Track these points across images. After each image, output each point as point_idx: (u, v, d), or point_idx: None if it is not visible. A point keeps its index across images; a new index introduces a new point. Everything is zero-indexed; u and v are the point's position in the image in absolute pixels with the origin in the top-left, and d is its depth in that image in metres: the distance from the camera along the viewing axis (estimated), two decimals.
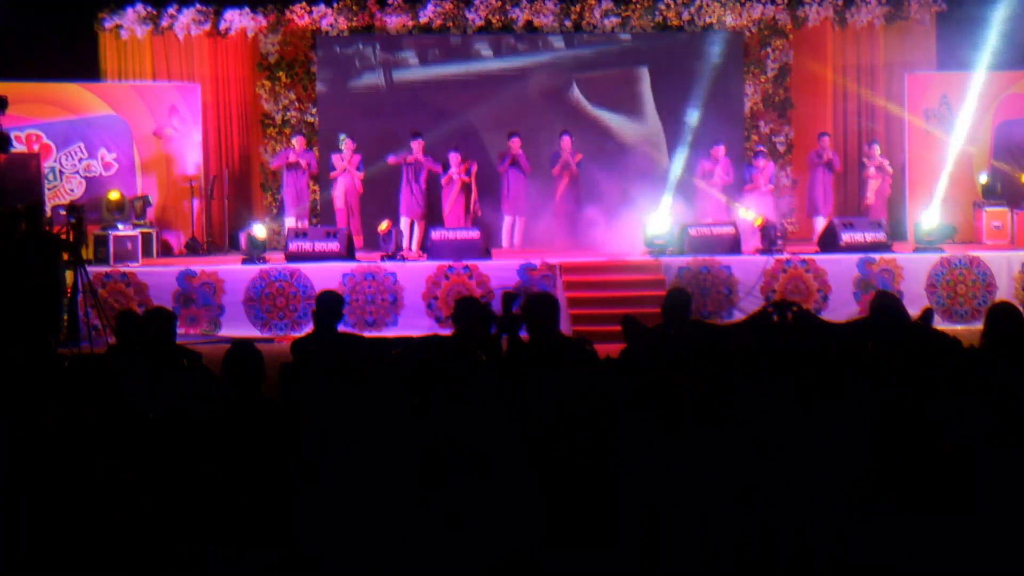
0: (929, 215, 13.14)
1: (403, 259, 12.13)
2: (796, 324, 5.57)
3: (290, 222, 13.98)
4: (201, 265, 11.97)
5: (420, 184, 13.97)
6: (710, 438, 4.21)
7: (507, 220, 14.23)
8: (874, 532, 3.87)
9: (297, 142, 14.21)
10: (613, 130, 15.06)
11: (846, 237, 12.37)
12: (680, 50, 15.07)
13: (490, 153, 14.69)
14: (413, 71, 15.05)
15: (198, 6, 14.73)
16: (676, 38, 15.12)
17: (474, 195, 13.97)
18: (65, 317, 10.98)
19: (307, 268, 11.73)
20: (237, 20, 14.81)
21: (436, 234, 12.40)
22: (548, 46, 15.18)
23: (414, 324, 11.22)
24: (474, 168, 14.00)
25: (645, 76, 15.22)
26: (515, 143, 14.01)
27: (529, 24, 15.06)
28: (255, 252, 12.28)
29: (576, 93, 15.08)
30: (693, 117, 14.45)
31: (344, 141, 14.04)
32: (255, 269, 11.75)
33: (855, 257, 12.04)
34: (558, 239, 13.98)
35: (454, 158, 13.85)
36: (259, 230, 12.56)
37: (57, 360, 6.06)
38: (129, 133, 14.30)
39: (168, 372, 5.43)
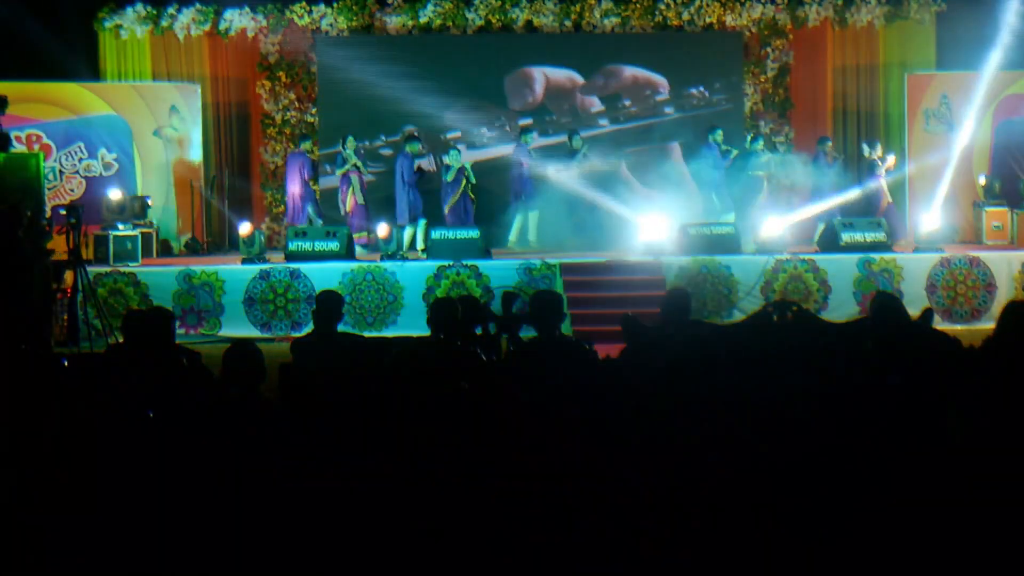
0: (929, 216, 13.14)
1: (403, 259, 12.13)
2: (796, 324, 5.58)
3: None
4: (201, 265, 11.96)
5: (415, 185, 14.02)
6: (709, 437, 4.21)
7: (519, 217, 14.19)
8: (873, 530, 3.86)
9: (306, 146, 14.27)
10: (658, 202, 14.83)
11: (846, 237, 12.36)
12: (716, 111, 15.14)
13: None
14: (463, 155, 14.88)
15: (198, 6, 14.74)
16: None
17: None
18: (65, 317, 10.98)
19: (307, 268, 11.73)
20: (237, 20, 14.82)
21: (436, 234, 12.39)
22: (593, 123, 15.20)
23: (414, 324, 11.20)
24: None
25: (676, 149, 15.24)
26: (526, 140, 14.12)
27: (529, 24, 15.08)
28: (248, 251, 12.28)
29: (625, 170, 15.04)
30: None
31: (349, 139, 14.03)
32: (255, 269, 11.75)
33: (855, 257, 12.03)
34: (566, 239, 14.02)
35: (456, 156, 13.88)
36: (244, 229, 12.54)
37: (55, 359, 6.06)
38: (129, 133, 14.31)
39: (168, 372, 5.42)
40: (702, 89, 15.26)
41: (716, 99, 15.28)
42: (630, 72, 15.28)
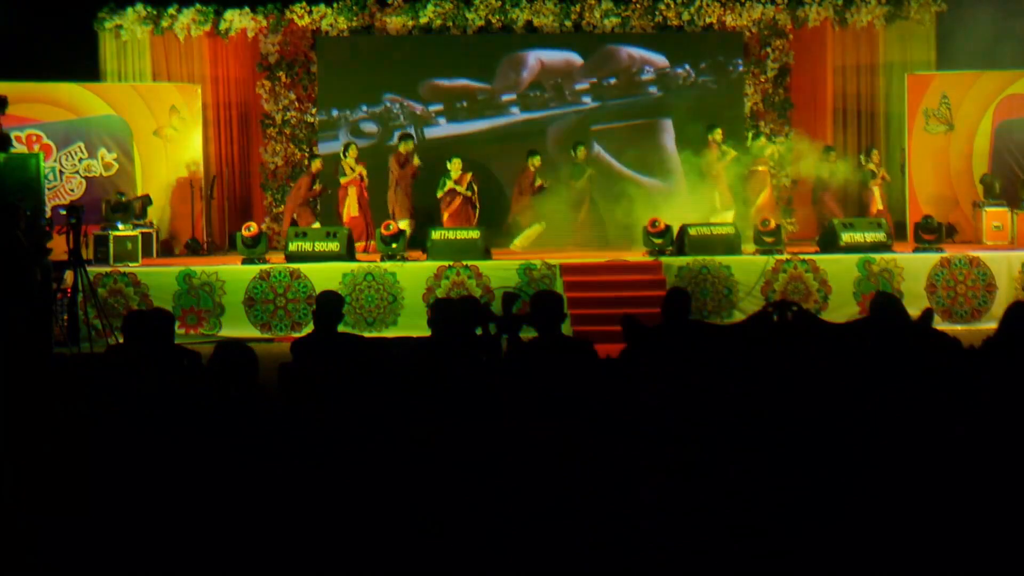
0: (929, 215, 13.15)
1: (403, 259, 12.12)
2: (796, 324, 5.57)
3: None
4: (201, 265, 11.96)
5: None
6: (709, 437, 4.21)
7: (534, 227, 14.19)
8: (872, 530, 3.86)
9: (316, 165, 14.26)
10: (636, 183, 14.78)
11: (846, 237, 12.36)
12: (704, 98, 15.12)
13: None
14: (442, 128, 14.97)
15: (198, 6, 14.75)
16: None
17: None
18: (65, 317, 10.98)
19: (307, 268, 11.72)
20: (237, 20, 14.83)
21: (436, 234, 12.38)
22: (576, 99, 15.23)
23: (414, 324, 11.20)
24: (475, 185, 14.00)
25: (669, 128, 15.22)
26: (536, 161, 14.15)
27: (529, 24, 15.09)
28: (253, 252, 12.28)
29: (598, 149, 15.05)
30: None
31: (351, 148, 14.02)
32: (255, 269, 11.75)
33: (855, 257, 12.03)
34: (568, 238, 14.05)
35: (456, 165, 13.88)
36: (249, 228, 12.54)
37: (54, 359, 6.07)
38: (129, 133, 14.31)
39: (168, 372, 5.42)
40: (688, 68, 15.26)
41: (703, 80, 15.27)
42: (626, 51, 15.29)
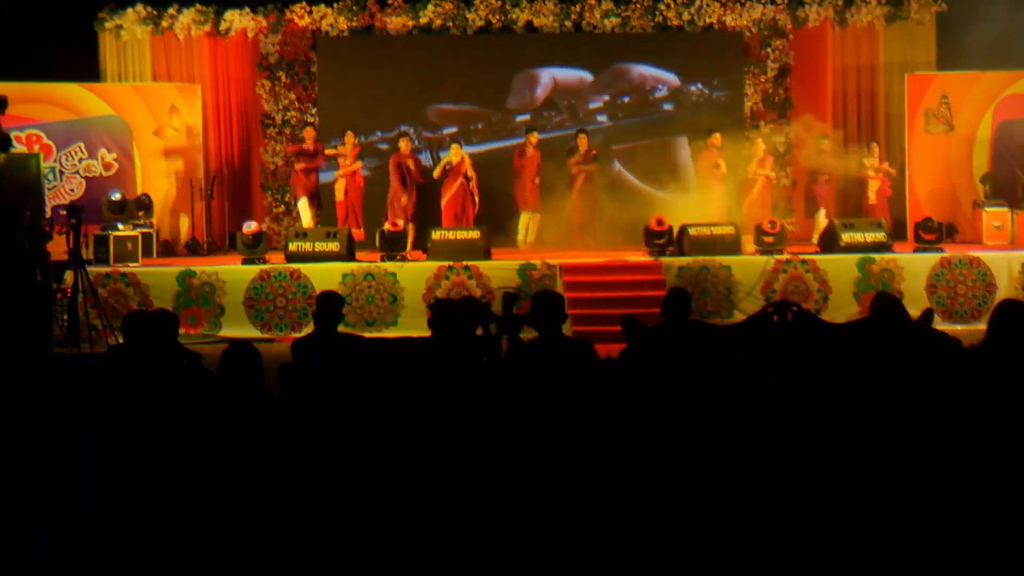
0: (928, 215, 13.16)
1: (403, 259, 12.13)
2: (796, 324, 5.58)
3: (303, 204, 13.96)
4: (201, 265, 11.96)
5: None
6: (709, 437, 4.21)
7: (523, 217, 14.25)
8: (872, 530, 3.86)
9: (307, 134, 14.24)
10: (651, 195, 14.86)
11: (846, 237, 12.36)
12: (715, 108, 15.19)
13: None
14: (460, 150, 14.99)
15: (198, 6, 14.75)
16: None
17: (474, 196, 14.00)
18: (65, 317, 10.98)
19: (307, 268, 11.72)
20: (237, 20, 14.83)
21: (436, 234, 12.39)
22: (591, 119, 15.25)
23: (414, 324, 11.20)
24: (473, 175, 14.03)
25: (684, 144, 15.26)
26: (533, 138, 14.14)
27: (529, 24, 15.09)
28: (250, 250, 12.29)
29: (617, 166, 15.07)
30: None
31: (347, 136, 14.04)
32: (255, 269, 11.75)
33: (855, 257, 12.03)
34: (571, 238, 14.06)
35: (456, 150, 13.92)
36: (249, 226, 12.54)
37: (54, 359, 6.06)
38: (129, 133, 14.32)
39: (168, 372, 5.42)
40: (700, 86, 15.32)
41: (716, 96, 15.32)
42: (637, 71, 15.32)
